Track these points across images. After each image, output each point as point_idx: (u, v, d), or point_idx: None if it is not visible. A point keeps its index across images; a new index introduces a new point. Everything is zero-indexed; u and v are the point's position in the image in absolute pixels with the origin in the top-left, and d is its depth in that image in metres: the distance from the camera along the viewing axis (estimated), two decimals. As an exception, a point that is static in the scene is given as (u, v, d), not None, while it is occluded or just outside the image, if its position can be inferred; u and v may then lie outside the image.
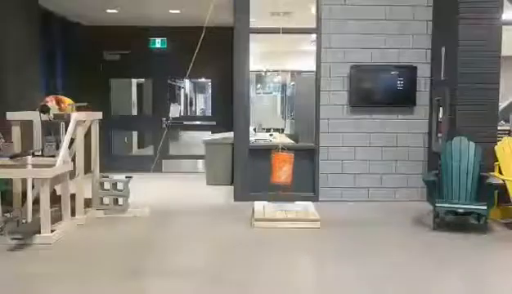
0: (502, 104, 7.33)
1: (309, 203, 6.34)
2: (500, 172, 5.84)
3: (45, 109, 5.51)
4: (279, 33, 7.59)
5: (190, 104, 18.45)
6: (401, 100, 7.09)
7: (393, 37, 7.01)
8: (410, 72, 7.02)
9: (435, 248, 5.10)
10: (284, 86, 12.26)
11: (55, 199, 5.57)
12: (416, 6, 6.98)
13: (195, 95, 19.25)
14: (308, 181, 7.20)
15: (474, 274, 4.42)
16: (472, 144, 5.85)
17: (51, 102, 5.69)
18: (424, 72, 7.05)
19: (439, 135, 6.74)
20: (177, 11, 8.40)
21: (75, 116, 5.67)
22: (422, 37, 7.02)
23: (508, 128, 7.10)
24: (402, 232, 5.66)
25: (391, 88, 7.06)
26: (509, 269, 4.56)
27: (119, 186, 6.32)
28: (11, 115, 5.76)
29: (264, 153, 7.28)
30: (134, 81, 11.48)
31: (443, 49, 6.60)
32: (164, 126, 9.50)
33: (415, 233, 5.60)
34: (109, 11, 8.45)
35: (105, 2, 8.00)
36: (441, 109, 6.68)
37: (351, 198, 7.08)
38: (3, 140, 5.65)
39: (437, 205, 5.63)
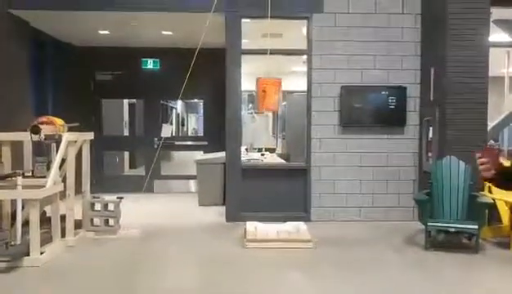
0: (491, 124, 7.43)
1: (301, 223, 6.33)
2: (490, 191, 5.89)
3: (36, 130, 5.49)
4: (270, 54, 7.71)
5: (182, 124, 18.48)
6: (392, 120, 7.16)
7: (383, 58, 7.11)
8: (399, 92, 7.11)
9: (428, 267, 5.10)
10: (275, 106, 12.32)
11: (45, 220, 5.51)
12: (405, 27, 7.11)
13: (186, 116, 19.31)
14: (300, 201, 7.20)
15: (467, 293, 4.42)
16: (462, 164, 5.90)
17: (42, 123, 5.67)
18: (413, 92, 7.14)
19: (429, 154, 6.80)
20: (170, 33, 8.47)
21: (66, 136, 5.65)
22: (411, 58, 7.13)
23: (497, 147, 7.18)
24: (395, 252, 5.65)
25: (381, 108, 7.14)
26: (501, 289, 4.56)
27: (110, 207, 6.27)
28: (1, 136, 5.72)
29: (256, 173, 7.31)
30: (126, 101, 11.50)
31: (432, 70, 6.71)
32: (156, 146, 9.48)
33: (408, 253, 5.60)
34: (101, 32, 8.49)
35: (97, 24, 8.06)
36: (430, 128, 6.75)
37: (343, 218, 7.08)
38: None
39: (428, 224, 5.64)
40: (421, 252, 5.57)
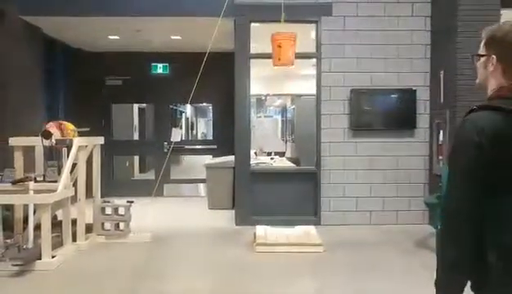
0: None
1: (311, 227, 6.31)
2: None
3: (47, 135, 5.54)
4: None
5: (192, 129, 18.56)
6: (402, 123, 7.13)
7: (392, 61, 7.09)
8: (409, 95, 7.08)
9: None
10: (284, 110, 12.35)
11: (56, 225, 5.56)
12: (415, 30, 7.08)
13: (196, 120, 19.40)
14: (310, 205, 7.18)
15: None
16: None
17: (53, 128, 5.73)
18: (423, 95, 7.11)
19: (440, 157, 6.75)
20: (179, 37, 8.51)
21: (77, 141, 5.70)
22: (421, 60, 7.10)
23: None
24: (406, 255, 5.61)
25: (391, 111, 7.11)
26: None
27: (121, 211, 6.30)
28: (13, 141, 5.79)
29: (266, 176, 7.30)
30: (136, 106, 11.58)
31: (442, 72, 6.67)
32: (166, 150, 9.52)
33: (420, 257, 5.55)
34: (110, 37, 8.57)
35: (107, 29, 8.13)
36: (441, 131, 6.71)
37: (353, 222, 7.05)
38: None
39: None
40: (432, 256, 5.51)
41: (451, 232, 1.59)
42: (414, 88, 7.09)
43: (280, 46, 5.44)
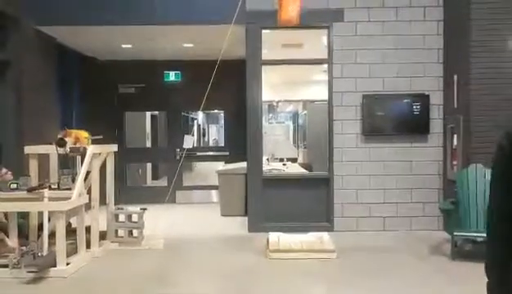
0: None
1: (324, 234, 6.28)
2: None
3: (62, 143, 5.60)
4: (290, 64, 7.71)
5: (204, 135, 18.62)
6: (415, 128, 7.08)
7: (405, 66, 7.05)
8: (422, 100, 7.03)
9: (454, 278, 4.99)
10: (296, 116, 12.34)
11: (70, 232, 5.60)
12: (427, 35, 7.04)
13: (207, 126, 19.47)
14: (323, 211, 7.15)
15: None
16: (488, 172, 5.78)
17: (67, 136, 5.78)
18: (436, 100, 7.05)
19: (454, 162, 6.68)
20: (191, 45, 8.57)
21: (91, 149, 5.75)
22: (434, 65, 7.05)
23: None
24: (421, 262, 5.55)
25: (404, 116, 7.07)
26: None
27: (134, 218, 6.33)
28: (28, 149, 5.86)
29: (278, 183, 7.29)
30: (148, 113, 11.66)
31: (455, 77, 6.62)
32: (178, 157, 9.56)
33: (435, 264, 5.49)
34: (123, 46, 8.65)
35: (120, 38, 8.21)
36: (455, 136, 6.64)
37: (367, 228, 7.00)
38: (9, 173, 5.76)
39: (455, 234, 5.53)
40: (447, 262, 5.46)
41: (487, 231, 1.66)
42: (427, 93, 7.04)
43: (281, 4, 5.27)
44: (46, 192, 5.29)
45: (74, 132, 5.91)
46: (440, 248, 6.02)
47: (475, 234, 5.56)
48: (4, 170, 5.83)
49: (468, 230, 5.65)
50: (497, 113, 6.11)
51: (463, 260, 5.46)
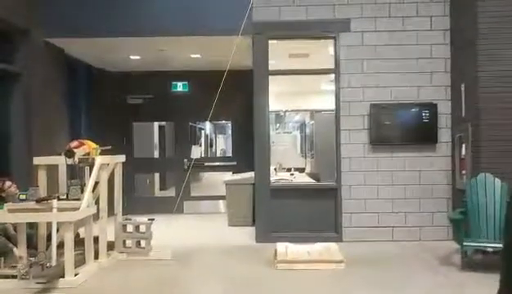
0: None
1: (332, 244, 6.24)
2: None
3: (70, 154, 5.64)
4: (297, 74, 7.74)
5: (211, 146, 18.65)
6: (423, 137, 7.05)
7: (412, 75, 7.05)
8: (430, 109, 7.01)
9: (464, 289, 4.93)
10: (303, 125, 12.34)
11: (78, 242, 5.61)
12: (434, 44, 7.04)
13: (215, 137, 19.51)
14: (331, 221, 7.12)
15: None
16: (498, 181, 5.74)
17: (75, 147, 5.82)
18: (444, 109, 7.03)
19: (463, 172, 6.64)
20: (198, 56, 8.63)
21: (100, 160, 5.78)
22: (441, 74, 7.04)
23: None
24: (431, 272, 5.50)
25: (411, 126, 7.05)
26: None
27: (142, 228, 6.34)
28: (37, 160, 5.91)
29: (286, 193, 7.28)
30: (156, 124, 11.72)
31: (463, 86, 6.60)
32: (186, 167, 9.58)
33: (444, 274, 5.43)
34: (132, 57, 8.73)
35: (129, 49, 8.29)
36: (463, 145, 6.61)
37: (375, 238, 6.95)
38: (13, 186, 5.80)
39: (464, 244, 5.48)
40: (457, 273, 5.40)
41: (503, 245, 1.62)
42: (434, 102, 7.02)
43: None
44: (54, 202, 5.31)
45: (87, 142, 5.96)
46: (449, 259, 5.96)
47: (485, 244, 5.50)
48: (8, 183, 5.87)
49: (477, 240, 5.59)
50: (505, 122, 6.09)
51: (473, 271, 5.39)
